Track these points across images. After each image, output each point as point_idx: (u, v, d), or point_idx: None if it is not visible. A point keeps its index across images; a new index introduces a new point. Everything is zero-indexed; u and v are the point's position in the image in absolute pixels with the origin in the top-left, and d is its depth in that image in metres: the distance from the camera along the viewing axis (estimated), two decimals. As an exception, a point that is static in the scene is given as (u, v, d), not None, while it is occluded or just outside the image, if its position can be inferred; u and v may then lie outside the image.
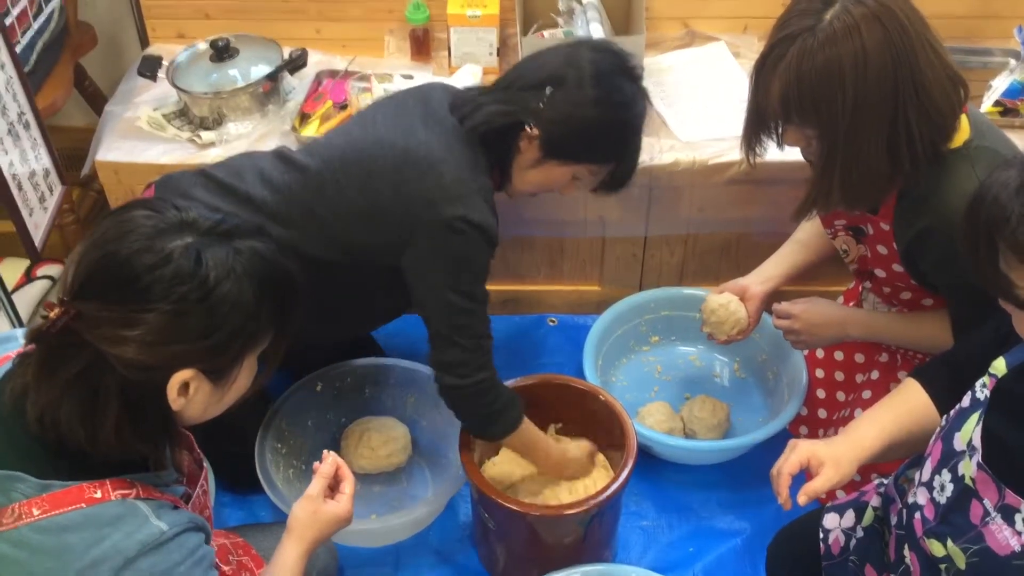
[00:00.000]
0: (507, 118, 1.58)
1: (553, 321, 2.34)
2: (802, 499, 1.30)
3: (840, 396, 1.92)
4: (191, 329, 0.98)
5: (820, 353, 1.96)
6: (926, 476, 1.25)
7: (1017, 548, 1.08)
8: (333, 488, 1.36)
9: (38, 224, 1.92)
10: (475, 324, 1.57)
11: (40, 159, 1.97)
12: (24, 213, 1.85)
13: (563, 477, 1.77)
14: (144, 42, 2.38)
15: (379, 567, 1.82)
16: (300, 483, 1.82)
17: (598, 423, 1.81)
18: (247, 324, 1.02)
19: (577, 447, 1.78)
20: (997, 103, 2.08)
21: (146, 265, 0.97)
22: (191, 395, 1.03)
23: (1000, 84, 2.09)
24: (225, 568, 1.43)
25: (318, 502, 1.31)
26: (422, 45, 2.29)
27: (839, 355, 1.93)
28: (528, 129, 1.57)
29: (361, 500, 1.89)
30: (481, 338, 1.57)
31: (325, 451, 1.38)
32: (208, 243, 1.00)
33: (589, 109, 1.55)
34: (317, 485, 1.33)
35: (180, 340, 0.98)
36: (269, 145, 2.01)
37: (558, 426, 1.89)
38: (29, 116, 1.93)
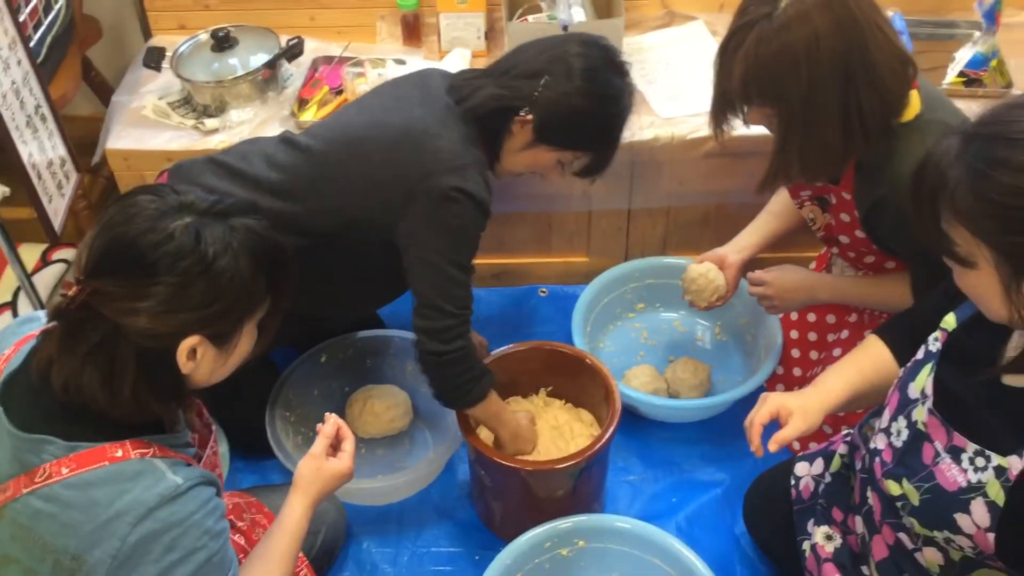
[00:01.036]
0: (504, 102, 1.63)
1: (544, 292, 2.40)
2: (773, 446, 1.38)
3: (813, 355, 2.01)
4: (195, 299, 1.07)
5: (794, 316, 2.04)
6: (884, 423, 1.33)
7: (964, 484, 1.16)
8: (335, 447, 1.44)
9: (56, 210, 1.98)
10: (463, 294, 1.62)
11: (56, 148, 2.03)
12: (44, 200, 1.92)
13: (518, 450, 1.82)
14: (147, 34, 2.43)
15: (384, 523, 1.91)
16: (308, 448, 1.90)
17: (586, 386, 1.90)
18: (245, 293, 1.11)
19: (526, 417, 1.83)
20: (961, 74, 2.14)
21: (151, 243, 1.05)
22: (199, 359, 1.12)
23: (963, 55, 2.15)
24: (240, 524, 1.52)
25: (321, 460, 1.40)
26: (413, 30, 2.34)
27: (812, 317, 2.01)
28: (522, 114, 1.63)
29: (366, 462, 1.99)
30: (466, 308, 1.63)
31: (327, 414, 1.47)
32: (206, 222, 1.09)
33: (580, 100, 1.62)
34: (320, 444, 1.41)
35: (185, 309, 1.07)
36: (270, 130, 2.08)
37: (549, 388, 1.97)
38: (45, 108, 1.99)
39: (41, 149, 1.97)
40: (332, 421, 1.45)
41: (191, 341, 1.09)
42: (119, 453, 1.09)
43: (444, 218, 1.59)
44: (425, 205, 1.59)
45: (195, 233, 1.07)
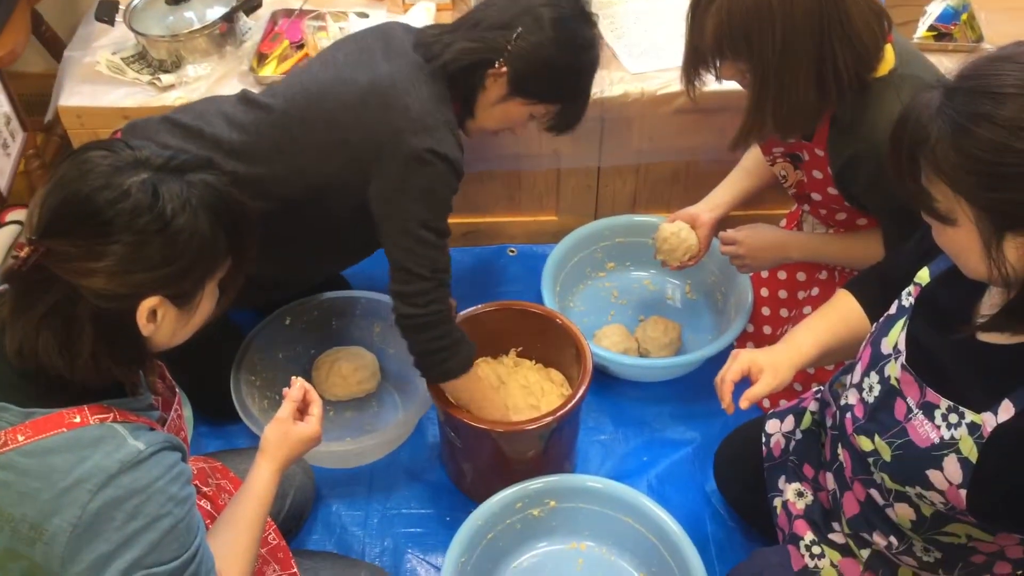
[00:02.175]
0: (477, 55, 1.60)
1: (513, 251, 2.39)
2: (744, 403, 1.38)
3: (783, 312, 2.01)
4: (153, 258, 1.03)
5: (765, 273, 2.03)
6: (856, 378, 1.33)
7: (936, 440, 1.16)
8: (302, 411, 1.42)
9: (2, 170, 1.92)
10: (437, 257, 1.59)
11: (0, 107, 1.97)
12: None
13: None
14: (99, -14, 2.35)
15: (354, 486, 1.90)
16: (274, 412, 1.88)
17: (557, 345, 1.89)
18: (205, 251, 1.07)
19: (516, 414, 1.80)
20: (931, 28, 2.13)
21: (107, 200, 1.01)
22: (159, 321, 1.09)
23: (934, 9, 2.14)
24: (205, 489, 1.49)
25: (287, 424, 1.37)
26: (376, -17, 2.28)
27: (782, 275, 2.01)
28: (496, 67, 1.60)
29: (335, 425, 1.97)
30: (442, 272, 1.60)
31: (293, 377, 1.44)
32: (163, 178, 1.05)
33: (553, 50, 1.59)
34: (286, 408, 1.39)
35: (144, 268, 1.03)
36: (228, 86, 2.03)
37: (519, 349, 1.96)
38: None
39: (-16, 107, 1.90)
40: (298, 385, 1.42)
41: (151, 302, 1.06)
42: (77, 419, 1.06)
43: (415, 180, 1.56)
44: (395, 167, 1.56)
45: (152, 189, 1.04)
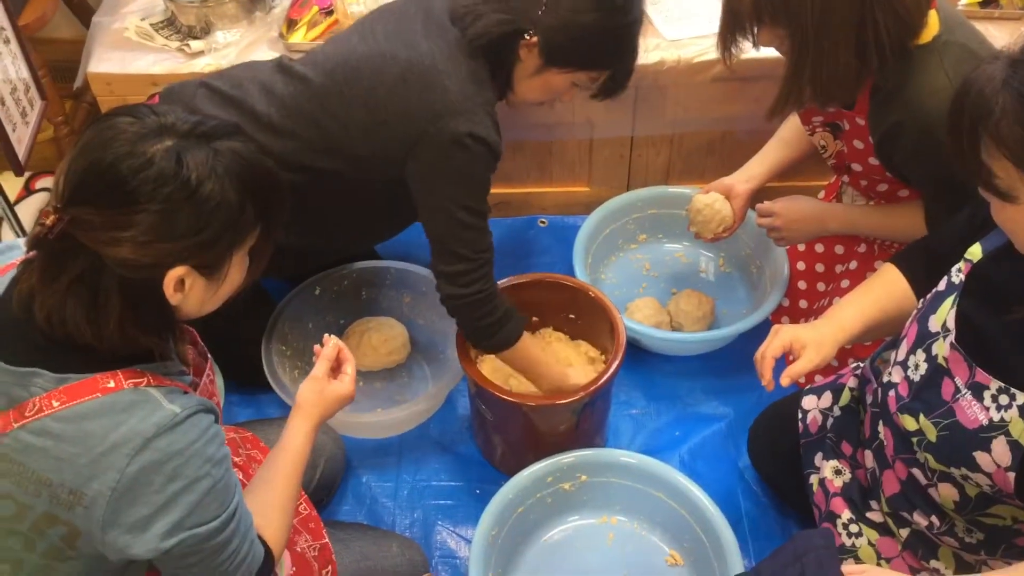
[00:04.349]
0: (506, 26, 1.55)
1: (543, 222, 2.36)
2: (785, 380, 1.36)
3: (820, 287, 1.98)
4: (180, 227, 1.02)
5: (801, 246, 2.00)
6: (902, 356, 1.30)
7: (984, 422, 1.13)
8: (335, 370, 1.42)
9: (21, 139, 1.89)
10: (477, 238, 1.57)
11: (20, 74, 1.94)
12: (7, 128, 1.84)
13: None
14: (127, -49, 2.33)
15: (384, 457, 1.90)
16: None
17: (589, 319, 1.87)
18: (233, 220, 1.05)
19: (576, 374, 1.77)
20: (978, -6, 2.08)
21: (131, 168, 0.99)
22: (187, 290, 1.07)
23: (981, -25, 2.09)
24: (235, 459, 1.50)
25: (323, 382, 1.38)
26: (406, -53, 2.26)
27: (820, 247, 1.97)
28: (527, 37, 1.55)
29: (365, 396, 1.97)
30: (482, 251, 1.58)
31: (326, 336, 1.43)
32: (188, 145, 1.03)
33: (588, 15, 1.53)
34: (321, 367, 1.39)
35: (171, 238, 1.02)
36: (258, 52, 2.01)
37: (550, 322, 1.94)
38: (9, 32, 1.90)
39: (5, 75, 1.88)
40: (333, 343, 1.42)
41: (178, 271, 1.05)
42: (111, 384, 1.05)
43: (454, 163, 1.54)
44: (434, 150, 1.54)
45: (176, 157, 1.01)
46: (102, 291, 1.03)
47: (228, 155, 1.05)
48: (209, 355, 1.30)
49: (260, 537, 1.20)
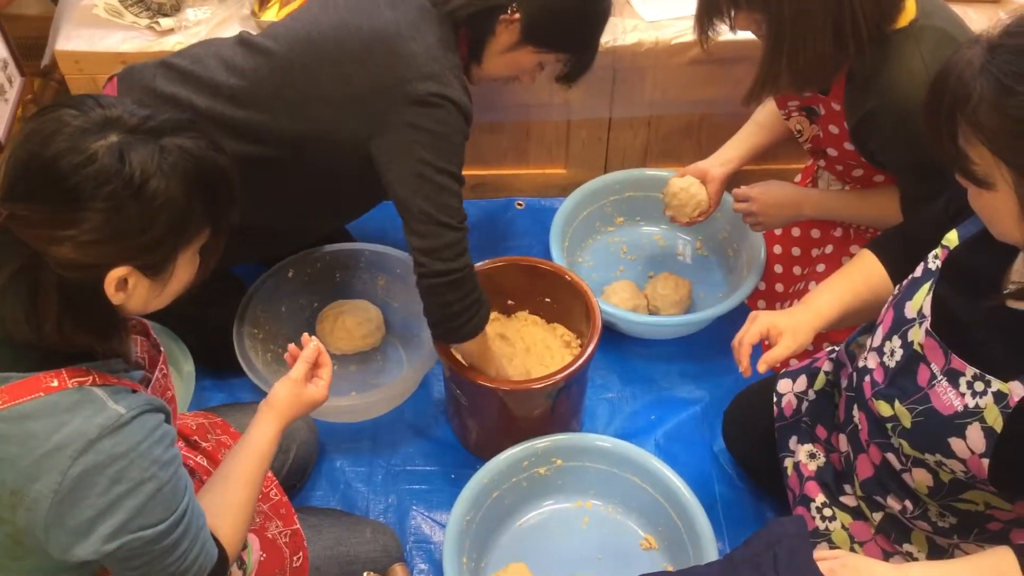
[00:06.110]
0: (488, 1, 1.55)
1: (520, 204, 2.35)
2: (762, 367, 1.36)
3: (796, 270, 1.98)
4: (124, 228, 0.98)
5: (778, 230, 1.99)
6: (877, 342, 1.29)
7: (960, 408, 1.13)
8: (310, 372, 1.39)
9: (0, 115, 1.88)
10: (457, 207, 1.54)
11: None
12: None
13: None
14: (95, -75, 2.28)
15: (358, 442, 1.89)
16: (278, 366, 1.87)
17: (565, 302, 1.86)
18: (179, 220, 1.02)
19: (515, 368, 1.77)
20: (956, -22, 2.08)
21: (71, 165, 0.96)
22: (130, 290, 1.04)
23: (960, -41, 2.09)
24: (204, 445, 1.47)
25: (301, 385, 1.35)
26: (382, -76, 2.22)
27: (796, 231, 1.97)
28: (509, 13, 1.55)
29: (339, 379, 1.95)
30: (463, 222, 1.55)
31: (305, 335, 1.40)
32: (133, 142, 0.99)
33: None
34: (300, 369, 1.35)
35: (114, 239, 0.98)
36: (229, 30, 1.98)
37: (526, 305, 1.93)
38: None
39: (-20, 52, 1.84)
40: (313, 346, 1.39)
41: (119, 272, 1.01)
42: (55, 383, 1.02)
43: (426, 124, 1.51)
44: (404, 114, 1.51)
45: (118, 154, 0.97)
46: (40, 289, 1.00)
47: (176, 152, 1.01)
48: (162, 348, 1.26)
49: (214, 536, 1.18)
